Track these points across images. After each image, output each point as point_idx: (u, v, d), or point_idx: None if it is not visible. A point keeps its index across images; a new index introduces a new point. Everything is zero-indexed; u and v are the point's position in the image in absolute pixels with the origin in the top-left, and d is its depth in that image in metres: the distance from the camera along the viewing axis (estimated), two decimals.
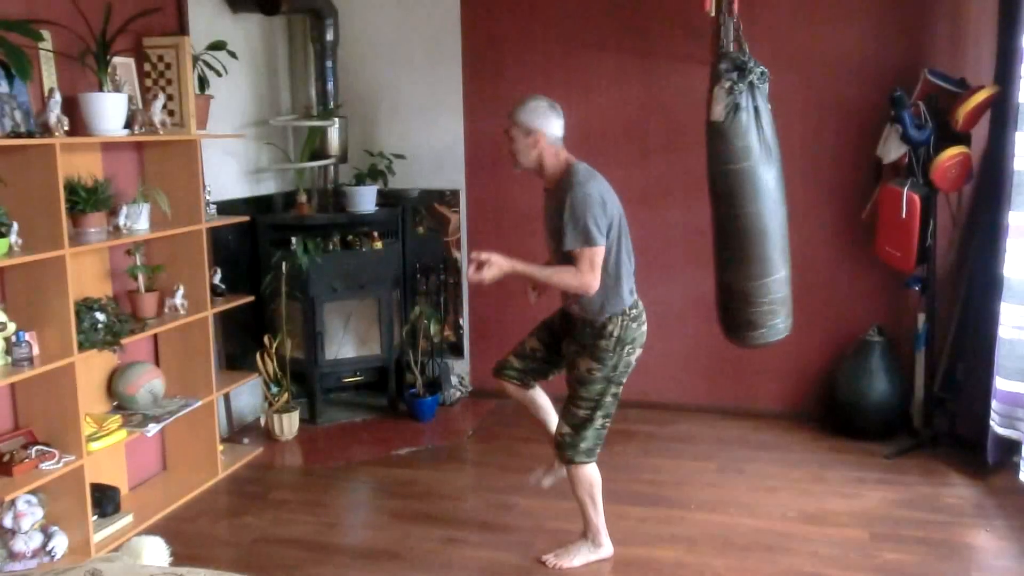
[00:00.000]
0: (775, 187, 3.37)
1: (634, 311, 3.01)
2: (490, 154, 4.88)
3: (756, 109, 3.26)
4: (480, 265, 2.86)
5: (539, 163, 2.96)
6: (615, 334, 2.95)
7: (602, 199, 2.87)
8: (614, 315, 2.95)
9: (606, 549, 3.21)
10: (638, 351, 3.05)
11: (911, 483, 3.80)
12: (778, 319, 3.49)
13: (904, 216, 3.96)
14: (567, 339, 3.10)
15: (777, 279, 3.43)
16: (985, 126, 3.98)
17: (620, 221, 2.95)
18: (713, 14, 3.65)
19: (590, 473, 3.12)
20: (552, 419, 3.26)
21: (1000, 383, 3.66)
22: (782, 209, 3.43)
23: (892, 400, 4.22)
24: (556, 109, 2.95)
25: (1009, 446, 3.74)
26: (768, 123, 3.31)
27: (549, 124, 2.92)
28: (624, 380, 3.04)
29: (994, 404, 3.69)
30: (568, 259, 2.88)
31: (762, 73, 3.26)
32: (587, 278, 2.85)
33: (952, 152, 3.90)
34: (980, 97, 3.82)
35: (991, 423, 3.71)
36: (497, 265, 2.86)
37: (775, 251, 3.41)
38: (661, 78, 4.58)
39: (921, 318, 4.21)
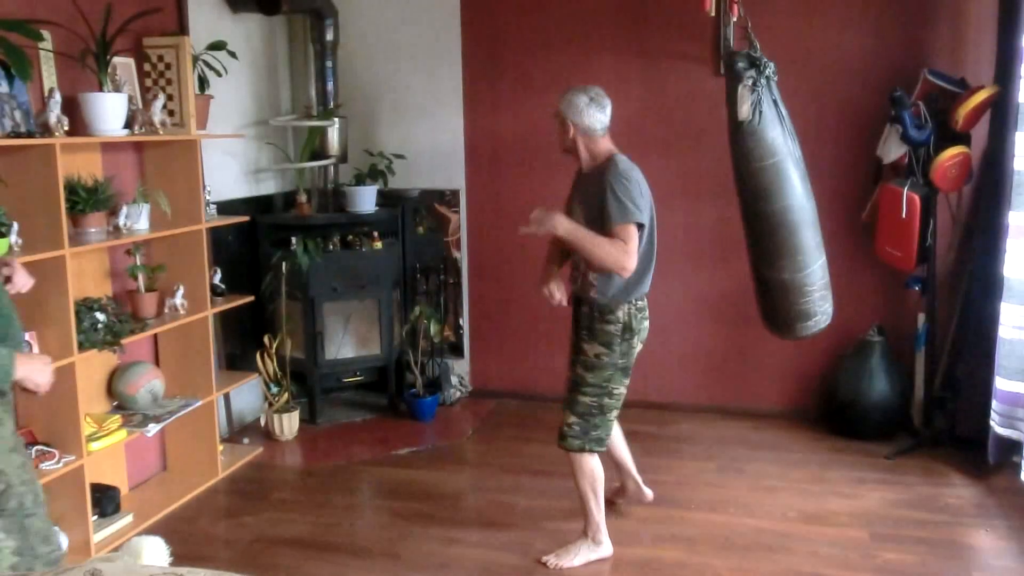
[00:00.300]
0: (802, 177, 3.39)
1: (641, 303, 3.10)
2: (490, 154, 4.88)
3: (775, 103, 3.30)
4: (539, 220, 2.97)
5: (575, 149, 3.10)
6: (623, 320, 3.03)
7: (641, 188, 2.99)
8: (627, 302, 3.03)
9: (606, 548, 3.21)
10: (640, 345, 3.11)
11: (911, 483, 3.80)
12: (828, 303, 3.52)
13: (904, 216, 3.96)
14: (575, 330, 3.18)
15: (820, 265, 3.45)
16: (985, 126, 3.98)
17: (653, 214, 3.07)
18: (713, 14, 3.66)
19: (595, 465, 3.16)
20: (628, 455, 3.41)
21: (1000, 383, 3.66)
22: (812, 198, 3.43)
23: (892, 400, 4.22)
24: (597, 102, 3.06)
25: (1009, 446, 3.74)
26: (787, 115, 3.35)
27: (583, 116, 3.03)
28: (631, 372, 3.09)
29: (994, 404, 3.69)
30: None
31: (773, 68, 3.29)
32: (629, 255, 2.89)
33: (952, 152, 3.90)
34: (980, 97, 3.82)
35: (991, 423, 3.71)
36: (547, 217, 2.94)
37: (813, 240, 3.42)
38: (661, 78, 4.58)
39: (921, 318, 4.21)
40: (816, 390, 4.58)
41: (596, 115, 3.04)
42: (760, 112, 3.26)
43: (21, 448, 2.29)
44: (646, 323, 3.13)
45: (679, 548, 3.28)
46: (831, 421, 4.43)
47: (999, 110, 3.85)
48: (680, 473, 3.96)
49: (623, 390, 3.11)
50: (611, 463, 3.38)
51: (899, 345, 4.29)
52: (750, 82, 3.25)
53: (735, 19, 3.40)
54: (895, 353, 4.27)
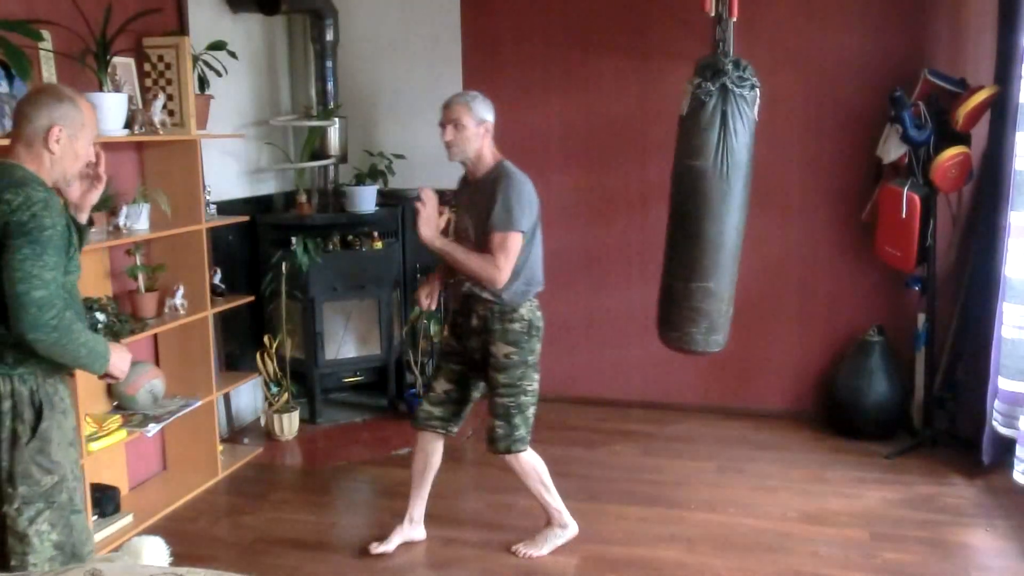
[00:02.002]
0: (725, 197, 3.24)
1: (536, 299, 3.13)
2: None
3: (724, 113, 3.18)
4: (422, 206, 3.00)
5: (478, 154, 3.05)
6: (527, 318, 3.06)
7: (531, 197, 3.02)
8: (527, 299, 3.07)
9: (572, 528, 3.26)
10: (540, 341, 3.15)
11: (911, 483, 3.80)
12: (695, 328, 3.37)
13: (904, 216, 3.96)
14: (470, 337, 3.11)
15: (703, 287, 3.33)
16: (985, 126, 3.98)
17: (538, 217, 3.09)
18: (713, 14, 3.65)
19: (532, 459, 3.17)
20: (426, 491, 3.32)
21: (1003, 383, 3.66)
22: (729, 220, 3.28)
23: (892, 400, 4.22)
24: (489, 102, 3.09)
25: (1007, 445, 3.74)
26: (739, 132, 3.19)
27: (491, 114, 3.06)
28: (539, 367, 3.12)
29: (996, 404, 3.69)
30: (484, 246, 2.98)
31: (740, 79, 3.17)
32: (501, 268, 2.94)
33: (952, 152, 3.90)
34: (980, 97, 3.82)
35: (993, 422, 3.71)
36: (430, 225, 2.99)
37: (706, 258, 3.31)
38: (661, 78, 4.58)
39: (921, 318, 4.21)
40: (816, 390, 4.58)
41: (493, 115, 3.08)
42: (697, 111, 3.22)
43: (78, 444, 2.32)
44: (542, 317, 3.15)
45: (678, 548, 3.28)
46: (831, 421, 4.43)
47: (999, 110, 3.85)
48: (680, 473, 3.96)
49: (536, 386, 3.13)
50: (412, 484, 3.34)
51: (899, 345, 4.30)
52: (696, 81, 3.22)
53: (734, 20, 3.38)
54: (895, 353, 4.27)
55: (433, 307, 3.30)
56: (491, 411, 3.11)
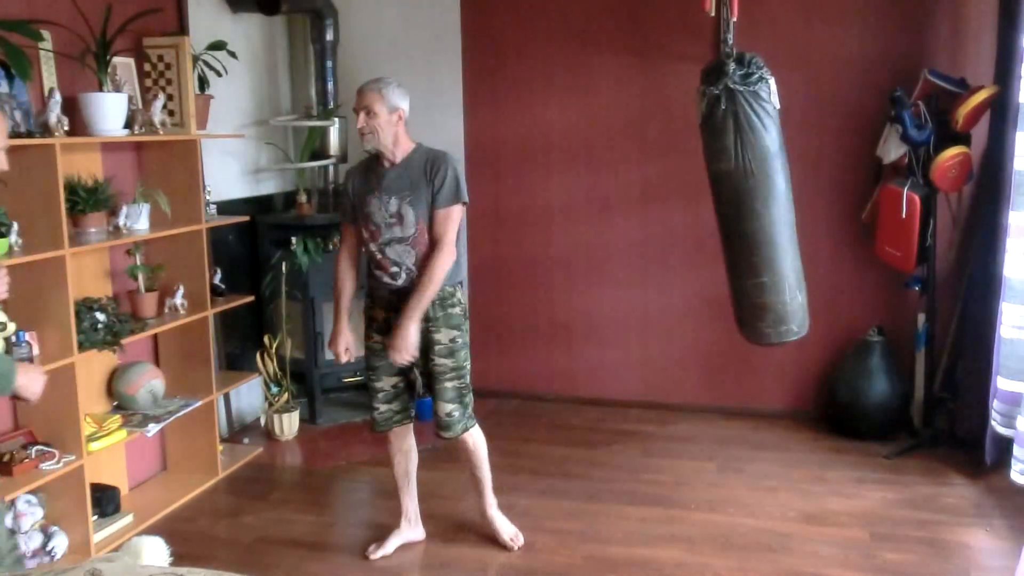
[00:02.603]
0: (756, 193, 3.28)
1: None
2: (490, 154, 4.88)
3: (735, 114, 3.20)
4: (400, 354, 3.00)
5: (395, 141, 3.06)
6: (462, 301, 3.13)
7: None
8: (458, 283, 3.13)
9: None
10: None
11: (911, 483, 3.80)
12: (762, 323, 3.46)
13: (904, 216, 3.96)
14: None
15: (758, 283, 3.38)
16: (985, 126, 3.98)
17: None
18: (713, 14, 3.65)
19: (480, 434, 3.24)
20: (414, 488, 3.35)
21: (1002, 383, 3.66)
22: (768, 215, 3.33)
23: (892, 400, 4.21)
24: (404, 88, 3.12)
25: (1007, 446, 3.73)
26: (755, 127, 3.20)
27: (405, 102, 3.08)
28: None
29: (995, 404, 3.69)
30: (427, 221, 3.00)
31: (745, 76, 3.17)
32: (449, 242, 3.01)
33: (952, 152, 3.90)
34: (980, 97, 3.82)
35: (992, 422, 3.71)
36: (409, 341, 2.98)
37: (754, 256, 3.37)
38: (661, 78, 4.58)
39: (921, 318, 4.21)
40: (816, 390, 4.57)
41: (407, 101, 3.10)
42: (710, 117, 3.25)
43: None
44: None
45: (678, 548, 3.28)
46: (831, 421, 4.42)
47: (999, 110, 3.85)
48: (680, 473, 3.96)
49: (470, 364, 3.19)
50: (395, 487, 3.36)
51: (899, 345, 4.29)
52: (701, 87, 3.26)
53: (734, 20, 3.38)
54: (895, 353, 4.27)
55: (352, 359, 3.22)
56: (439, 398, 3.10)
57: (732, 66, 3.18)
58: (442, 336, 3.07)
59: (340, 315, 3.19)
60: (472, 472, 3.30)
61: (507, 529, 3.32)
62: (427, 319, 3.05)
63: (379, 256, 3.07)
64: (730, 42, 3.35)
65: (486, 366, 5.07)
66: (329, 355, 4.68)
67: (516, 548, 3.27)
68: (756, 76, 3.20)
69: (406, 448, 3.28)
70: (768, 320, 3.44)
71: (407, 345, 2.97)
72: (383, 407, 3.19)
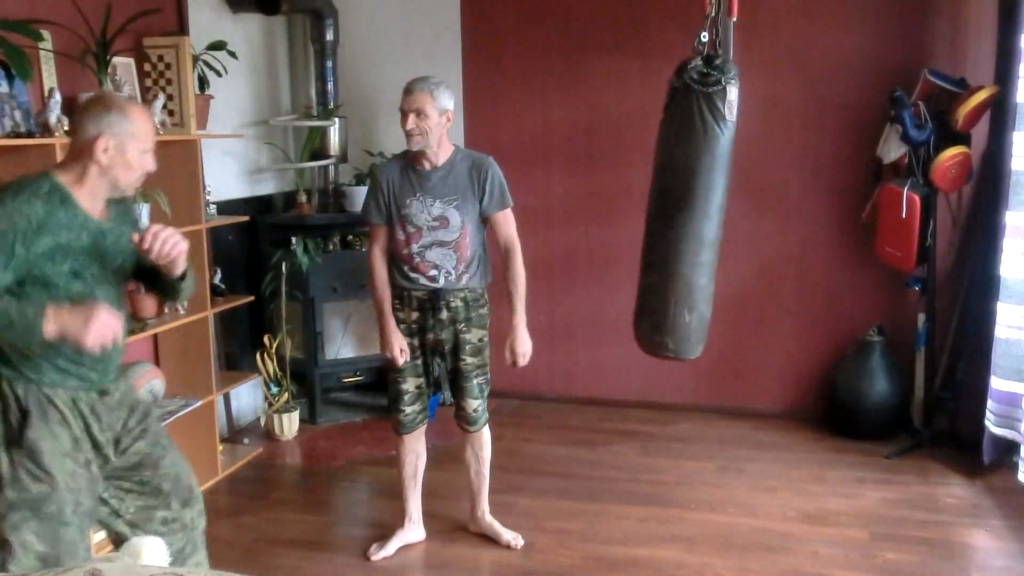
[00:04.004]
0: (672, 195, 3.12)
1: None
2: (490, 153, 4.86)
3: (684, 109, 3.06)
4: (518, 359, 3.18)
5: (438, 142, 3.04)
6: (488, 302, 3.20)
7: None
8: (487, 284, 3.19)
9: None
10: None
11: (911, 483, 3.80)
12: (642, 324, 3.28)
13: (904, 216, 3.96)
14: (439, 330, 3.10)
15: (644, 283, 3.23)
16: (985, 126, 3.98)
17: None
18: (713, 14, 3.64)
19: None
20: (420, 489, 3.38)
21: (996, 383, 3.66)
22: (673, 219, 3.12)
23: (892, 400, 4.21)
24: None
25: (1007, 446, 3.74)
26: (693, 130, 3.05)
27: (452, 104, 3.09)
28: None
29: (990, 404, 3.69)
30: (465, 227, 3.05)
31: (705, 76, 3.02)
32: (517, 246, 3.15)
33: (952, 152, 3.90)
34: (980, 97, 3.82)
35: (987, 423, 3.71)
36: (528, 344, 3.18)
37: (650, 254, 3.20)
38: (661, 78, 4.54)
39: (921, 318, 4.21)
40: (816, 390, 4.57)
41: (453, 102, 3.10)
42: (666, 108, 3.15)
43: (80, 458, 2.21)
44: None
45: (679, 548, 3.28)
46: (831, 421, 4.43)
47: (999, 110, 3.85)
48: (680, 473, 3.96)
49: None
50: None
51: (899, 345, 4.29)
52: (672, 76, 3.15)
53: (734, 20, 3.36)
54: (895, 353, 4.27)
55: (408, 359, 3.14)
56: (466, 395, 3.16)
57: (696, 62, 3.10)
58: (472, 336, 3.12)
59: (388, 317, 3.11)
60: (476, 471, 3.32)
61: (507, 532, 3.33)
62: (458, 320, 3.09)
63: (417, 259, 3.05)
64: (704, 39, 3.23)
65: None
66: (329, 355, 4.72)
67: (518, 547, 3.28)
68: (714, 79, 3.02)
69: (419, 450, 3.29)
70: (645, 325, 3.27)
71: (528, 348, 3.16)
72: (408, 409, 3.18)
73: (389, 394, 3.22)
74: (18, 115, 2.99)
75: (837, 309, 4.52)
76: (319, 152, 4.74)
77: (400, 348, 3.10)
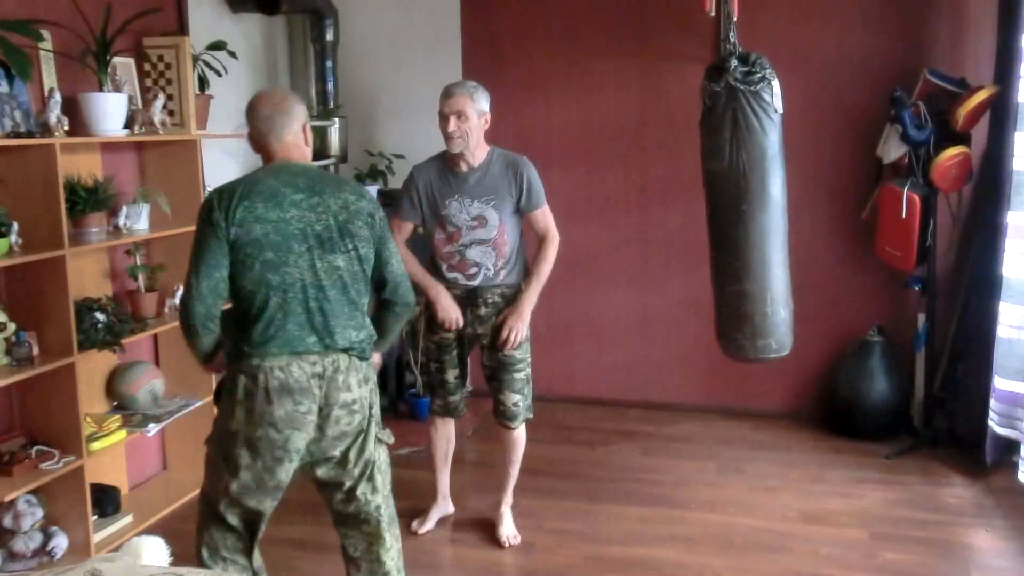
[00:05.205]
0: (746, 197, 3.18)
1: None
2: None
3: (734, 112, 3.14)
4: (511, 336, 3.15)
5: (476, 143, 3.09)
6: None
7: None
8: (523, 280, 3.23)
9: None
10: None
11: (911, 483, 3.80)
12: (740, 334, 3.32)
13: (904, 216, 3.96)
14: (479, 324, 3.21)
15: (738, 290, 3.28)
16: (985, 126, 3.98)
17: None
18: (713, 14, 3.65)
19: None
20: (448, 468, 3.52)
21: (999, 383, 3.66)
22: (756, 220, 3.22)
23: (892, 400, 4.22)
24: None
25: (1008, 446, 3.74)
26: (754, 128, 3.13)
27: (489, 106, 3.12)
28: None
29: (993, 403, 3.69)
30: (502, 226, 3.12)
31: (747, 74, 3.11)
32: (554, 237, 3.25)
33: (952, 152, 3.90)
34: (980, 97, 3.82)
35: (990, 423, 3.72)
36: (527, 319, 3.18)
37: (736, 261, 3.27)
38: (660, 78, 4.58)
39: (921, 318, 4.21)
40: (816, 390, 4.57)
41: (489, 104, 3.13)
42: (710, 114, 3.20)
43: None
44: None
45: (678, 548, 3.28)
46: (831, 421, 4.43)
47: (999, 110, 3.85)
48: (680, 473, 3.96)
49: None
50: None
51: (899, 345, 4.29)
52: (704, 83, 3.21)
53: (735, 19, 3.37)
54: (895, 353, 4.27)
55: (461, 322, 3.21)
56: (505, 388, 3.22)
57: (734, 63, 3.14)
58: None
59: (440, 287, 3.19)
60: (506, 466, 3.39)
61: (509, 529, 3.37)
62: (500, 312, 3.17)
63: (457, 258, 3.13)
64: (732, 39, 3.31)
65: None
66: None
67: (507, 546, 3.32)
68: (759, 76, 3.13)
69: (451, 434, 3.47)
70: (746, 331, 3.30)
71: (522, 328, 3.15)
72: (452, 398, 3.34)
73: (430, 383, 3.35)
74: (18, 115, 2.99)
75: (837, 309, 4.52)
76: (319, 152, 4.74)
77: (456, 316, 3.18)
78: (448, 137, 3.04)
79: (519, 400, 3.24)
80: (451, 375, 3.30)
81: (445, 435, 3.45)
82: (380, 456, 2.48)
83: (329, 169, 4.81)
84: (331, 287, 2.31)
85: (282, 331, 2.26)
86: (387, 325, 2.52)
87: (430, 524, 3.47)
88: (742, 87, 3.12)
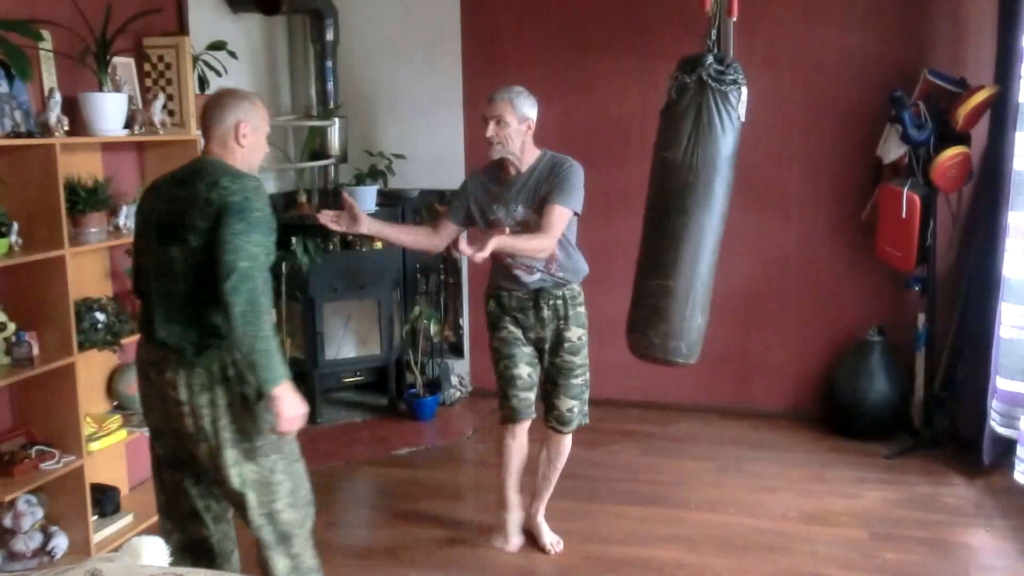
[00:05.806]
0: (693, 192, 3.10)
1: None
2: None
3: (699, 106, 3.08)
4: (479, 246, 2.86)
5: (522, 149, 3.05)
6: (585, 300, 3.18)
7: (583, 182, 3.06)
8: (581, 281, 3.18)
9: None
10: None
11: (911, 483, 3.80)
12: (652, 331, 3.20)
13: (904, 216, 3.96)
14: (542, 327, 3.14)
15: (661, 284, 3.18)
16: (985, 126, 3.98)
17: None
18: (713, 13, 3.64)
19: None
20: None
21: (1000, 383, 3.66)
22: (696, 216, 3.11)
23: (892, 400, 4.22)
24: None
25: (1007, 445, 3.74)
26: (715, 127, 3.07)
27: (535, 112, 3.06)
28: None
29: (994, 403, 3.69)
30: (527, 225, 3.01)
31: (720, 74, 3.06)
32: (552, 238, 2.95)
33: (952, 152, 3.90)
34: (980, 97, 3.82)
35: (991, 422, 3.72)
36: (492, 247, 2.82)
37: (667, 254, 3.16)
38: (660, 78, 4.55)
39: (921, 318, 4.21)
40: (816, 390, 4.57)
41: (536, 111, 3.06)
42: (675, 105, 3.14)
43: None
44: None
45: (678, 548, 3.28)
46: (831, 421, 4.43)
47: (999, 110, 3.85)
48: (680, 473, 3.96)
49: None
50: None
51: (899, 345, 4.29)
52: (674, 75, 3.16)
53: (734, 20, 3.36)
54: (895, 353, 4.27)
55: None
56: (562, 394, 3.17)
57: (710, 59, 3.11)
58: (572, 333, 3.14)
59: (382, 224, 3.18)
60: (544, 474, 3.31)
61: (551, 536, 3.34)
62: (560, 317, 3.12)
63: (509, 259, 3.08)
64: (713, 37, 3.26)
65: (488, 366, 5.08)
66: (329, 355, 4.72)
67: (553, 554, 3.27)
68: (731, 79, 3.07)
69: (525, 440, 3.25)
70: (660, 330, 3.18)
71: (485, 250, 2.74)
72: (522, 394, 3.16)
73: (499, 381, 3.20)
74: (18, 115, 2.99)
75: (837, 309, 4.52)
76: (319, 152, 4.74)
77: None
78: (487, 142, 3.03)
79: (574, 406, 3.18)
80: (523, 370, 3.15)
81: (518, 440, 3.22)
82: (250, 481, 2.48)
83: (328, 169, 4.81)
84: (163, 277, 2.32)
85: (143, 314, 2.43)
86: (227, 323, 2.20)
87: (516, 539, 3.31)
88: (713, 84, 3.05)
